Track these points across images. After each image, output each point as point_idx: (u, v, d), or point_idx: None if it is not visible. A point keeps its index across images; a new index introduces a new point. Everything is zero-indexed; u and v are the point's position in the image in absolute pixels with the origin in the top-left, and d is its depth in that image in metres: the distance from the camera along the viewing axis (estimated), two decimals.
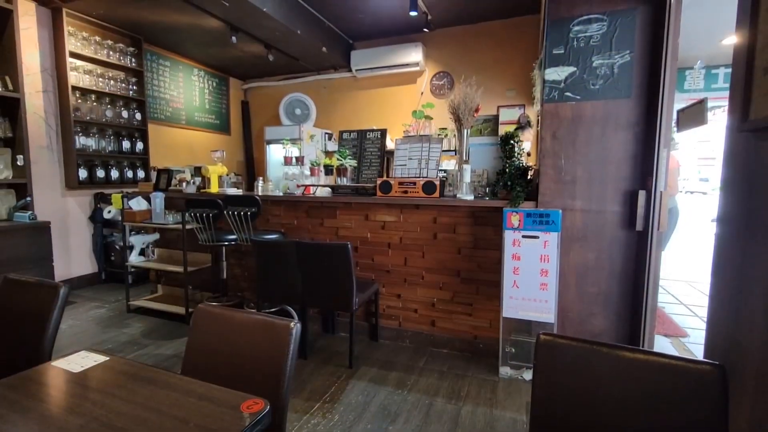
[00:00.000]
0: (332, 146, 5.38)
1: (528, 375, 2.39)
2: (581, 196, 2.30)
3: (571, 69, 2.26)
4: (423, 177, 2.73)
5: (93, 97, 4.09)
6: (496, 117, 3.00)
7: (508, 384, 2.35)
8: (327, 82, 5.85)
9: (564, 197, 2.34)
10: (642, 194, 2.17)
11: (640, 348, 0.99)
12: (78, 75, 3.93)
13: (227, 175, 3.77)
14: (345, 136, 3.23)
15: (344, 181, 2.99)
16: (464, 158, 2.66)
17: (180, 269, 3.18)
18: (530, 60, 4.32)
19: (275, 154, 5.35)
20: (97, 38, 4.10)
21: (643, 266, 2.22)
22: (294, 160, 3.21)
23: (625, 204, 2.24)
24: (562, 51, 2.28)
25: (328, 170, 3.08)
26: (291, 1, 4.18)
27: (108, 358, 1.05)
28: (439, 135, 3.69)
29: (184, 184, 3.56)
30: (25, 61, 3.44)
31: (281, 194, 3.20)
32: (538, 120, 2.74)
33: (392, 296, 2.91)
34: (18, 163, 3.36)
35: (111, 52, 4.21)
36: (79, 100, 3.96)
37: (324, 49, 4.87)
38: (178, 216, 3.17)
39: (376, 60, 5.19)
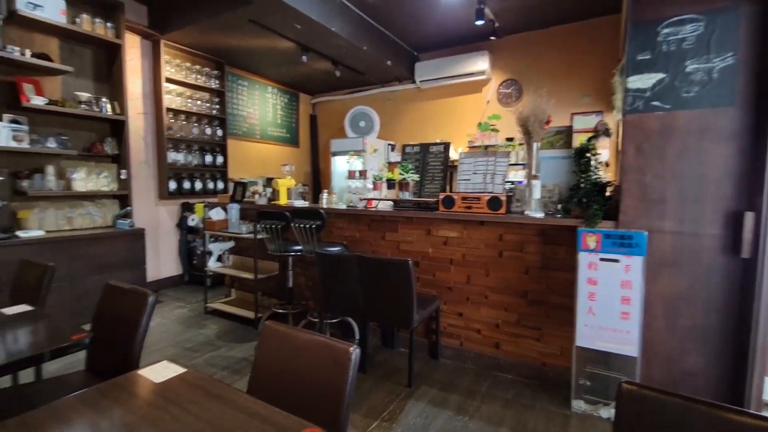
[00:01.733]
0: (395, 157, 5.42)
1: (605, 412, 2.17)
2: (672, 217, 2.05)
3: (660, 75, 2.04)
4: (488, 192, 2.62)
5: (182, 116, 4.56)
6: (569, 128, 2.80)
7: (581, 420, 2.15)
8: (391, 94, 5.92)
9: (650, 217, 2.10)
10: (749, 216, 1.87)
11: (749, 411, 0.83)
12: (171, 98, 4.40)
13: (295, 186, 3.97)
14: (408, 149, 3.23)
15: (406, 196, 2.97)
16: (534, 172, 2.51)
17: (251, 276, 3.38)
18: (608, 63, 4.00)
19: (339, 165, 5.52)
20: (188, 64, 4.57)
21: (750, 298, 1.91)
22: (357, 173, 3.27)
23: (728, 227, 1.95)
24: (649, 56, 2.06)
25: (391, 184, 3.09)
26: (358, 19, 4.31)
27: (185, 371, 1.12)
28: (506, 146, 3.54)
29: (256, 196, 3.80)
30: (129, 87, 3.92)
31: (344, 207, 3.27)
32: (617, 129, 2.50)
33: (454, 314, 2.82)
34: (121, 176, 3.83)
35: (198, 76, 4.67)
36: (172, 120, 4.43)
37: (389, 62, 4.94)
38: (251, 226, 3.39)
39: (441, 70, 5.15)
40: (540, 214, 2.41)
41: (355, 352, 1.12)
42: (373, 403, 2.28)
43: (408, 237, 2.96)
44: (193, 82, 4.59)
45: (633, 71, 2.11)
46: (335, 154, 5.59)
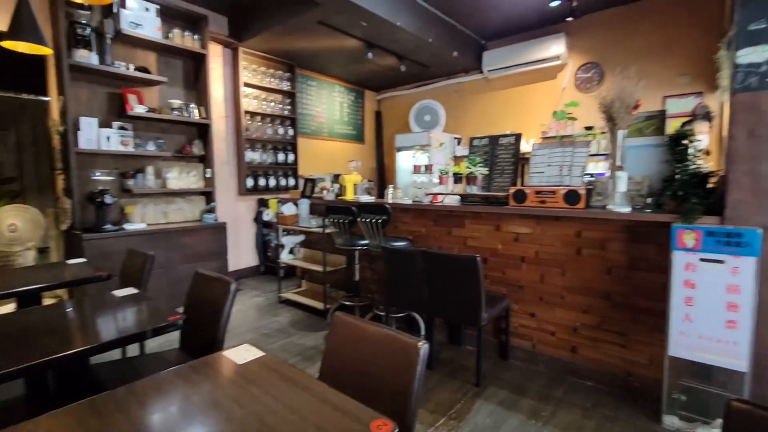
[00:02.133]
0: (461, 151, 5.29)
1: None
2: None
3: None
4: (564, 185, 2.44)
5: (258, 118, 4.87)
6: (662, 112, 2.49)
7: None
8: (457, 86, 5.78)
9: (764, 213, 1.80)
10: None
11: None
12: (248, 101, 4.73)
13: (361, 182, 4.05)
14: (476, 142, 3.12)
15: (474, 190, 2.88)
16: (618, 163, 2.28)
17: (320, 268, 3.52)
18: (709, 37, 3.50)
19: (404, 160, 5.53)
20: (262, 68, 4.87)
21: None
22: (423, 168, 3.24)
23: None
24: (764, 25, 1.76)
25: (457, 178, 3.02)
26: (423, 11, 4.25)
27: (263, 354, 1.19)
28: (585, 135, 3.27)
29: (324, 191, 3.94)
30: (213, 93, 4.28)
31: (410, 202, 3.26)
32: (721, 111, 2.18)
33: (525, 315, 2.68)
34: (207, 175, 4.20)
35: (272, 79, 4.95)
36: (249, 122, 4.76)
37: (455, 53, 4.82)
38: (320, 220, 3.52)
39: (510, 58, 4.90)
40: (626, 209, 2.19)
41: (423, 347, 1.10)
42: (440, 400, 2.25)
43: (475, 233, 2.87)
44: (267, 85, 4.88)
45: (744, 43, 1.82)
46: (400, 149, 5.60)
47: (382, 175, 6.86)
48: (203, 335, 1.77)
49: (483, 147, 3.07)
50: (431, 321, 2.73)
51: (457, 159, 5.31)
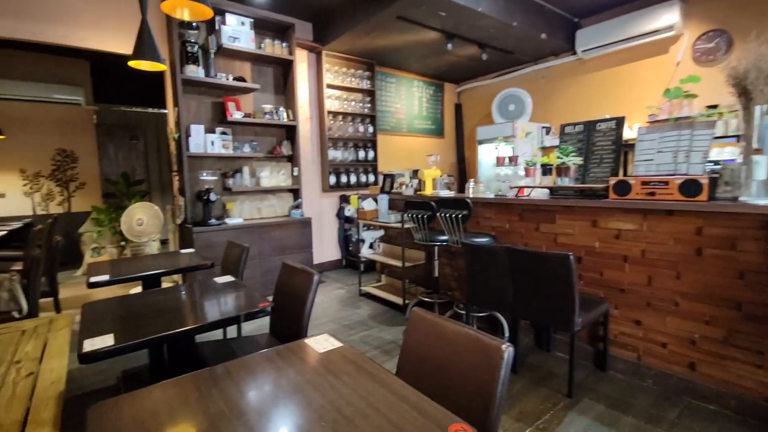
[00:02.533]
0: (551, 141, 4.90)
1: None
2: None
3: None
4: (680, 174, 2.09)
5: (340, 117, 5.05)
6: None
7: None
8: (546, 71, 5.36)
9: None
10: None
11: None
12: (331, 101, 4.92)
13: (440, 177, 3.96)
14: (568, 129, 2.84)
15: (566, 182, 2.62)
16: (755, 146, 1.88)
17: (399, 263, 3.53)
18: None
19: (486, 154, 5.29)
20: (344, 69, 5.03)
21: None
22: (507, 160, 3.05)
23: None
24: None
25: (546, 170, 2.78)
26: None
27: (342, 345, 1.21)
28: (708, 115, 2.77)
29: (403, 187, 3.94)
30: (299, 96, 4.54)
31: (492, 196, 3.09)
32: None
33: (628, 321, 2.37)
34: (294, 173, 4.48)
35: (352, 78, 5.09)
36: (331, 121, 4.96)
37: (543, 35, 4.46)
38: (399, 216, 3.52)
39: (610, 35, 4.38)
40: (765, 201, 1.79)
41: (508, 350, 1.01)
42: (526, 408, 2.09)
43: (568, 229, 2.61)
44: (348, 85, 5.03)
45: None
46: (481, 142, 5.37)
47: (463, 170, 6.66)
48: (289, 322, 1.87)
49: (577, 134, 2.78)
50: (516, 322, 2.56)
51: (545, 150, 4.93)
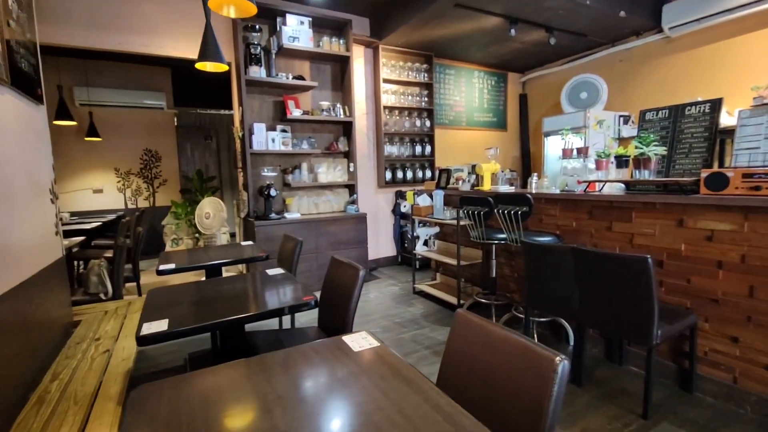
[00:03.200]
0: (629, 131, 4.42)
1: None
2: None
3: None
4: None
5: (396, 112, 4.99)
6: None
7: None
8: (624, 53, 4.83)
9: None
10: None
11: None
12: (387, 96, 4.88)
13: (502, 171, 3.74)
14: (649, 116, 2.50)
15: (645, 175, 2.31)
16: None
17: (454, 261, 3.39)
18: None
19: (552, 147, 4.91)
20: (400, 63, 4.96)
21: None
22: (575, 152, 2.77)
23: None
24: None
25: (622, 162, 2.47)
26: None
27: (379, 345, 1.15)
28: None
29: (460, 182, 3.78)
30: (355, 92, 4.56)
31: (557, 191, 2.84)
32: None
33: (721, 337, 2.03)
34: (350, 169, 4.51)
35: (409, 72, 5.00)
36: (387, 116, 4.92)
37: (622, 13, 4.01)
38: (454, 212, 3.38)
39: (705, 6, 3.82)
40: None
41: (562, 363, 0.88)
42: (591, 426, 1.88)
43: (646, 228, 2.30)
44: (405, 79, 4.95)
45: None
46: (548, 134, 4.99)
47: (528, 165, 6.26)
48: (335, 316, 1.86)
49: (660, 121, 2.43)
50: (582, 331, 2.31)
51: (623, 141, 4.45)
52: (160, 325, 1.37)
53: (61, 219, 4.49)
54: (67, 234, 3.55)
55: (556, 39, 4.54)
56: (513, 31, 4.19)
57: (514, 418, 0.94)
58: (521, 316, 2.93)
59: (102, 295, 2.82)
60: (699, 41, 4.12)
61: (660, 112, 2.44)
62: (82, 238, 3.48)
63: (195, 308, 1.63)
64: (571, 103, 4.99)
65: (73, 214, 5.24)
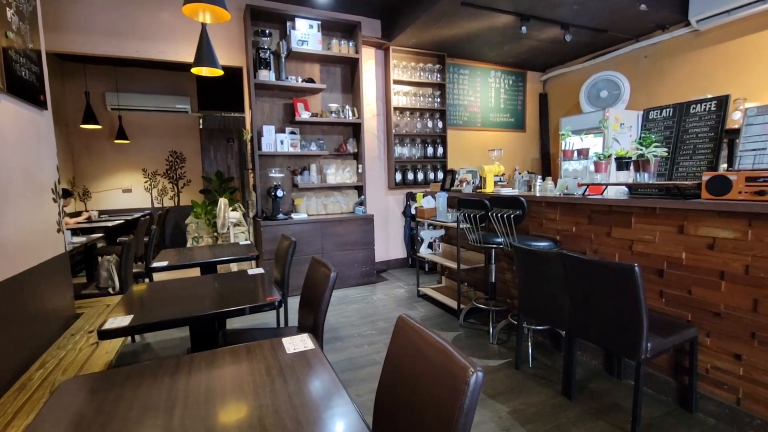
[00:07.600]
0: None
1: None
2: None
3: None
4: None
5: (407, 113, 4.96)
6: None
7: None
8: (648, 48, 4.57)
9: None
10: None
11: None
12: (398, 97, 4.86)
13: (519, 173, 3.62)
14: (653, 115, 2.35)
15: (645, 178, 2.17)
16: None
17: (455, 265, 3.32)
18: None
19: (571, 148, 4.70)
20: (411, 63, 4.92)
21: None
22: (575, 153, 2.65)
23: None
24: None
25: (623, 164, 2.33)
26: None
27: (314, 348, 1.14)
28: None
29: (464, 184, 3.70)
30: (365, 93, 4.57)
31: (557, 194, 2.72)
32: None
33: (724, 354, 1.86)
34: (359, 170, 4.53)
35: (421, 73, 4.95)
36: (398, 117, 4.90)
37: (642, 6, 3.79)
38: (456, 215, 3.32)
39: None
40: None
41: (475, 375, 0.83)
42: None
43: (646, 235, 2.16)
44: (416, 79, 4.91)
45: None
46: (565, 135, 4.79)
47: (548, 167, 6.04)
48: (309, 316, 1.86)
49: (664, 120, 2.28)
50: (571, 341, 2.20)
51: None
52: (123, 321, 1.43)
53: (89, 217, 4.81)
54: (90, 231, 3.80)
55: (573, 35, 4.35)
56: (524, 29, 4.06)
57: (430, 429, 0.91)
58: (516, 323, 2.82)
59: (110, 290, 2.99)
60: (731, 34, 3.82)
61: (664, 110, 2.28)
62: (100, 235, 3.69)
63: (166, 305, 1.69)
64: (590, 103, 4.77)
65: (102, 212, 5.59)
